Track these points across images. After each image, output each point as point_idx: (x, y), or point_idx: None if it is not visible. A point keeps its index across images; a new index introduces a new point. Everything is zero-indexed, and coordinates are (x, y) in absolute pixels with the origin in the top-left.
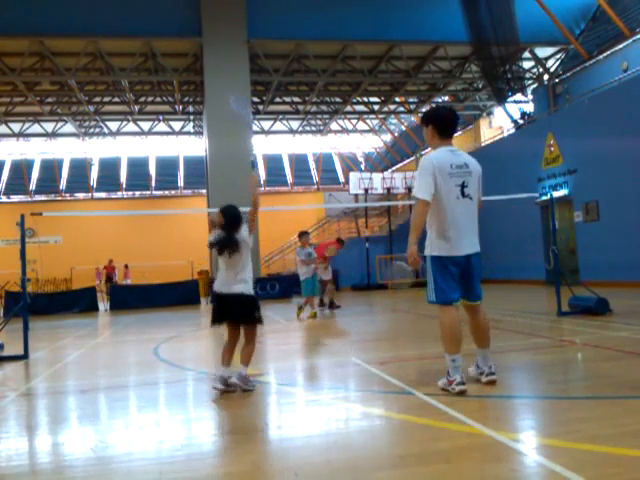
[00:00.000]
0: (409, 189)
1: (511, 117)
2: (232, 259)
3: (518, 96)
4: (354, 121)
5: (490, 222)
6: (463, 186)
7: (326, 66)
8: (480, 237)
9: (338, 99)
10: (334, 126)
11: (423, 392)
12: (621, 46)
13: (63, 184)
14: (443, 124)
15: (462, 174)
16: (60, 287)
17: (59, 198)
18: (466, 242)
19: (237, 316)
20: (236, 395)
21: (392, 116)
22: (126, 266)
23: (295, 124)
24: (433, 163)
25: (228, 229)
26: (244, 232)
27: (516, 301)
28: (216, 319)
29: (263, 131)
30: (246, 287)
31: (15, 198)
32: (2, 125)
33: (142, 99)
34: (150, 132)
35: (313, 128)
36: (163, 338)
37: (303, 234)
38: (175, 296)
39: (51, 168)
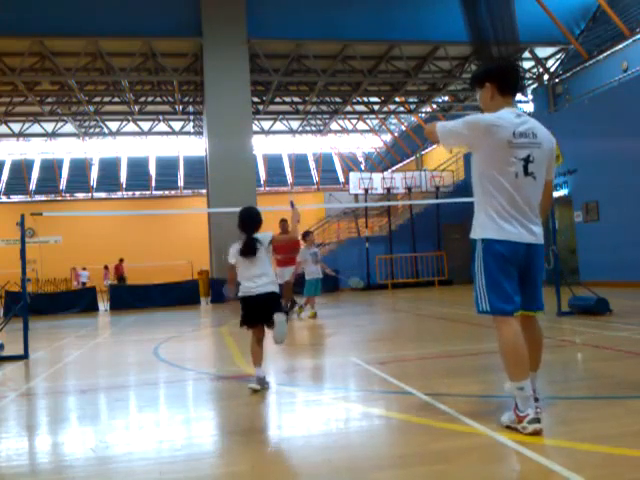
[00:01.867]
0: (409, 189)
1: None
2: (253, 262)
3: (518, 96)
4: (354, 121)
5: None
6: (527, 161)
7: (326, 66)
8: None
9: (338, 99)
10: (334, 126)
11: (423, 392)
12: (621, 46)
13: (63, 184)
14: (504, 77)
15: (527, 144)
16: (60, 287)
17: (59, 198)
18: (526, 230)
19: (267, 315)
20: (236, 395)
21: (392, 116)
22: (106, 267)
23: (295, 124)
24: (491, 122)
25: (247, 231)
26: (263, 236)
27: None
28: (246, 321)
29: (263, 131)
30: (268, 287)
31: (15, 198)
32: (2, 125)
33: (142, 99)
34: (150, 132)
35: (313, 128)
36: (163, 338)
37: (307, 234)
38: (175, 296)
39: (51, 168)
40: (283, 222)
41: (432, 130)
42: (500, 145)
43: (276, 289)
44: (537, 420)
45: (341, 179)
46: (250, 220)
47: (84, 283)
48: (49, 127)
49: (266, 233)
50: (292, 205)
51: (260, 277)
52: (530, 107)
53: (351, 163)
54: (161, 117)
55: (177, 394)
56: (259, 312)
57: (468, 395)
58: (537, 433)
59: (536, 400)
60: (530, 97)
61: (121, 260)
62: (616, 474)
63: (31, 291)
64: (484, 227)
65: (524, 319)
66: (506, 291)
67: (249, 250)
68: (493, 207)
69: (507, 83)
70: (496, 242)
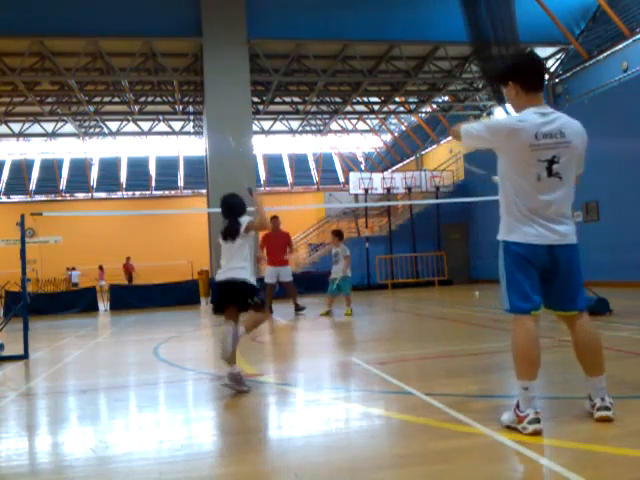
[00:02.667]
0: (409, 189)
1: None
2: (230, 247)
3: None
4: (354, 121)
5: (491, 222)
6: (552, 162)
7: (326, 66)
8: (481, 238)
9: (338, 99)
10: (334, 126)
11: (423, 392)
12: (621, 46)
13: (63, 184)
14: (526, 74)
15: (553, 145)
16: (60, 287)
17: (59, 198)
18: (548, 231)
19: (233, 301)
20: (236, 395)
21: (392, 116)
22: (100, 267)
23: (295, 124)
24: (512, 126)
25: (230, 217)
26: (242, 220)
27: None
28: (216, 307)
29: (263, 131)
30: (239, 273)
31: (15, 198)
32: (2, 125)
33: (142, 99)
34: (150, 132)
35: (313, 128)
36: (163, 338)
37: (336, 233)
38: (175, 296)
39: (51, 168)
40: (274, 219)
41: (457, 131)
42: (521, 148)
43: (248, 277)
44: (537, 420)
45: (341, 179)
46: (228, 206)
47: (75, 284)
48: (49, 127)
49: (245, 217)
50: (250, 192)
51: (233, 263)
52: None
53: (351, 163)
54: (161, 117)
55: (177, 394)
56: (228, 296)
57: (468, 395)
58: (537, 433)
59: (606, 409)
60: None
61: (128, 258)
62: (616, 474)
63: (31, 291)
64: (505, 229)
65: (568, 320)
66: (524, 290)
67: (229, 232)
68: (513, 210)
69: (529, 80)
70: (514, 244)
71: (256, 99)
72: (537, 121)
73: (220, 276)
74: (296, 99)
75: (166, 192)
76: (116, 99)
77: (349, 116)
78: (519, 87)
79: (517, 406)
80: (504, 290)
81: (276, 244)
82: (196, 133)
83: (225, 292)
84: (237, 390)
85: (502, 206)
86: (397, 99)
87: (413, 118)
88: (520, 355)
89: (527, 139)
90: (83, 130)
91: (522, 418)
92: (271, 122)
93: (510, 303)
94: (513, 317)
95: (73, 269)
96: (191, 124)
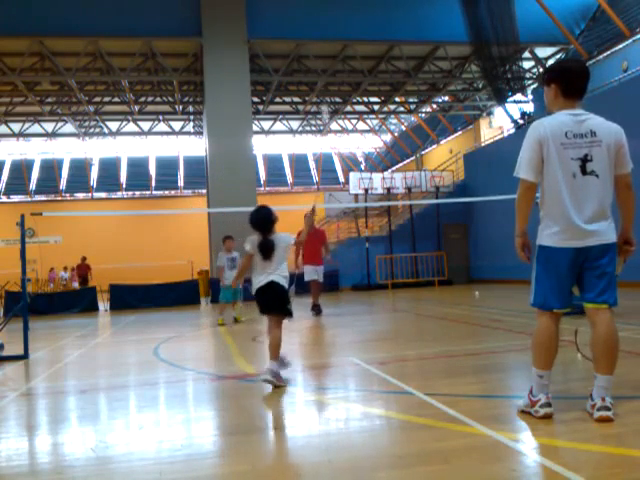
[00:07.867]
0: (409, 189)
1: (511, 117)
2: (269, 261)
3: (518, 96)
4: (354, 121)
5: (491, 222)
6: (585, 160)
7: (326, 66)
8: (482, 238)
9: (338, 99)
10: (334, 126)
11: (423, 392)
12: (621, 46)
13: (63, 184)
14: (568, 79)
15: (584, 145)
16: (60, 287)
17: (59, 198)
18: (584, 232)
19: (273, 303)
20: (236, 395)
21: (392, 116)
22: (88, 267)
23: (295, 124)
24: (540, 131)
25: (263, 231)
26: (280, 235)
27: (517, 301)
28: (261, 310)
29: (263, 131)
30: (279, 278)
31: (15, 198)
32: (2, 125)
33: (142, 99)
34: (150, 132)
35: (313, 128)
36: (163, 338)
37: (227, 238)
38: (175, 296)
39: (51, 168)
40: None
41: (519, 188)
42: (554, 148)
43: (281, 281)
44: (548, 404)
45: (341, 179)
46: (265, 221)
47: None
48: (49, 127)
49: (287, 237)
50: (313, 211)
51: (272, 270)
52: (530, 107)
53: (351, 163)
54: (161, 117)
55: (177, 394)
56: (267, 300)
57: (468, 395)
58: (548, 416)
59: (606, 409)
60: (530, 97)
61: (84, 259)
62: (616, 474)
63: (31, 291)
64: (541, 232)
65: (593, 314)
66: (549, 291)
67: (269, 251)
68: (549, 211)
69: (572, 86)
70: (548, 248)
71: (256, 99)
72: (567, 121)
73: (263, 281)
74: (296, 99)
75: (166, 192)
76: (116, 99)
77: (349, 116)
78: (559, 90)
79: (530, 392)
80: (532, 285)
81: (314, 242)
82: (196, 133)
83: (266, 296)
84: (276, 385)
85: (541, 210)
86: (397, 99)
87: (413, 118)
88: (538, 345)
89: (559, 138)
90: (83, 130)
91: (535, 402)
92: (271, 122)
93: (534, 299)
94: (537, 311)
95: (64, 268)
96: (191, 124)
